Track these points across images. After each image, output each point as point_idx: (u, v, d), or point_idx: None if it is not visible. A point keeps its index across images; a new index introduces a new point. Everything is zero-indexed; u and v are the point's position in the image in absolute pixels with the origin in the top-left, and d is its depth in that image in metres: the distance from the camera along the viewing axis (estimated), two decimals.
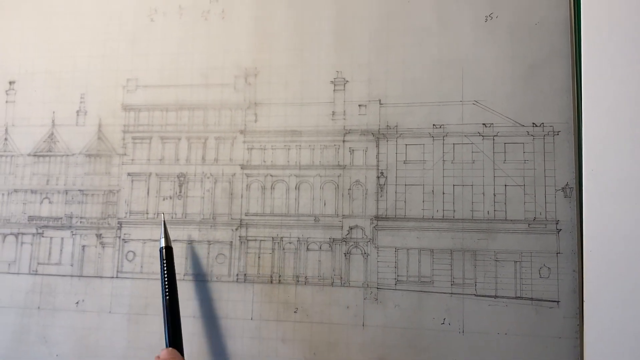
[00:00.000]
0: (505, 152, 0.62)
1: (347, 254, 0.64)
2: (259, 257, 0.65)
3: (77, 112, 0.72)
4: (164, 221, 0.63)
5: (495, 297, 0.60)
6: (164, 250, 0.61)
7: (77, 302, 0.68)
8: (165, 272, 0.59)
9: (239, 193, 0.67)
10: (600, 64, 0.60)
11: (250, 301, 0.65)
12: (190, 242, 0.68)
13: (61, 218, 0.71)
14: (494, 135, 0.63)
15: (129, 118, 0.71)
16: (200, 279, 0.67)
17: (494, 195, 0.62)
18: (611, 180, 0.57)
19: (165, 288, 0.58)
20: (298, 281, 0.64)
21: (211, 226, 0.67)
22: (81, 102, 0.72)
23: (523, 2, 0.64)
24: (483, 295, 0.60)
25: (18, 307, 0.69)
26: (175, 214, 0.68)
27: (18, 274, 0.70)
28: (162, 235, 0.61)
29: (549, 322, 0.58)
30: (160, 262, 0.60)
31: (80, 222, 0.70)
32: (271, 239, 0.66)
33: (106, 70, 0.73)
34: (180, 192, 0.68)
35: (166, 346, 0.56)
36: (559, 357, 0.57)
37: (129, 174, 0.70)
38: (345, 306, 0.63)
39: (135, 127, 0.71)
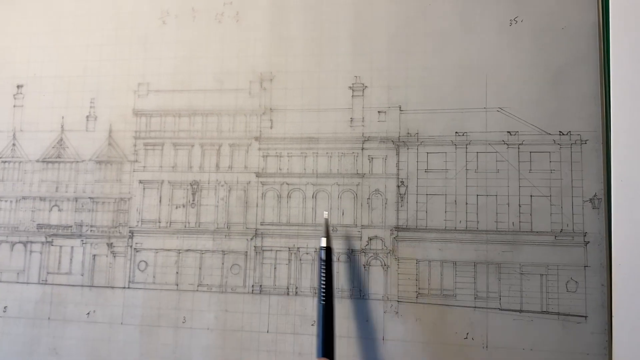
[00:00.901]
0: (531, 161, 0.61)
1: (367, 265, 0.62)
2: (275, 268, 0.64)
3: (87, 117, 0.71)
4: (327, 219, 0.60)
5: (521, 311, 0.59)
6: (324, 250, 0.58)
7: (88, 313, 0.67)
8: (323, 274, 0.56)
9: (254, 202, 0.66)
10: (629, 69, 0.58)
11: (266, 313, 0.64)
12: (204, 252, 0.66)
13: (71, 226, 0.69)
14: (519, 144, 0.61)
15: (141, 124, 0.70)
16: (216, 290, 0.65)
17: (519, 205, 0.60)
18: None
19: (322, 293, 0.56)
20: (315, 293, 0.62)
21: (225, 236, 0.66)
22: (91, 107, 0.71)
23: (549, 5, 0.62)
24: (508, 310, 0.59)
25: (28, 317, 0.68)
26: (189, 223, 0.67)
27: (27, 283, 0.68)
28: (325, 234, 0.59)
29: (576, 338, 0.57)
30: (319, 263, 0.58)
31: (91, 230, 0.69)
32: (287, 249, 0.64)
33: (117, 75, 0.72)
34: (193, 200, 0.67)
35: (318, 356, 0.54)
36: None
37: (140, 182, 0.69)
38: (365, 319, 0.61)
39: (146, 133, 0.70)
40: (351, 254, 0.63)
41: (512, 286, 0.59)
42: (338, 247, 0.63)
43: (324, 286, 0.55)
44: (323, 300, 0.55)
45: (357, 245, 0.63)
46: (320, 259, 0.57)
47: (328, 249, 0.58)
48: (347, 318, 0.62)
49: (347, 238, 0.63)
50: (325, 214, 0.61)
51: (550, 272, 0.59)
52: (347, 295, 0.62)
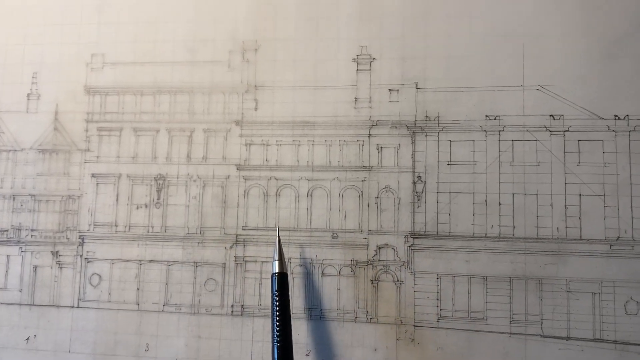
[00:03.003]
0: (579, 151, 0.57)
1: (375, 280, 0.58)
2: (260, 284, 0.60)
3: (28, 95, 0.66)
4: (279, 238, 0.56)
5: (568, 338, 0.55)
6: (276, 277, 0.54)
7: (27, 339, 0.62)
8: (278, 309, 0.52)
9: (235, 201, 0.62)
10: None
11: (249, 340, 0.59)
12: (172, 264, 0.61)
13: (7, 230, 0.65)
14: (565, 130, 0.57)
15: (94, 104, 0.65)
16: (186, 310, 0.60)
17: (566, 207, 0.57)
18: None
19: (277, 330, 0.52)
20: (311, 315, 0.58)
21: (199, 243, 0.61)
22: (33, 84, 0.66)
23: None
24: (552, 337, 0.55)
25: None
26: (153, 227, 0.62)
27: None
28: (275, 257, 0.55)
29: None
30: (272, 293, 0.54)
31: (32, 235, 0.64)
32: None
33: (65, 43, 0.67)
34: (158, 198, 0.63)
35: None
36: None
37: (93, 175, 0.64)
38: (373, 348, 0.57)
39: (101, 116, 0.65)
40: (355, 267, 0.59)
41: (556, 307, 0.55)
42: (339, 257, 0.59)
43: (279, 323, 0.52)
44: (278, 341, 0.51)
45: (363, 255, 0.59)
46: (273, 289, 0.54)
47: (282, 276, 0.54)
48: (350, 346, 0.57)
49: (351, 246, 0.59)
50: (277, 231, 0.57)
51: (605, 290, 0.55)
52: (350, 319, 0.58)
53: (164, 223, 0.62)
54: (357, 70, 0.61)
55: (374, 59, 0.61)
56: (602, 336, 0.54)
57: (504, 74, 0.59)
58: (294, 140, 0.61)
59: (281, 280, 0.53)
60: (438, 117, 0.59)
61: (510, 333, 0.55)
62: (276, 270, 0.54)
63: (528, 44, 0.58)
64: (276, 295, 0.53)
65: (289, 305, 0.53)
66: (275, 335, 0.51)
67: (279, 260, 0.54)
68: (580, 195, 0.56)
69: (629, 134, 0.56)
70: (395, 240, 0.58)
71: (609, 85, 0.57)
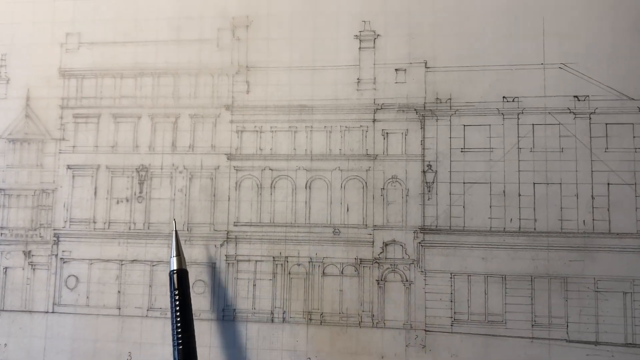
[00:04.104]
0: (607, 136, 0.55)
1: (381, 280, 0.57)
2: (255, 286, 0.58)
3: None
4: (176, 232, 0.56)
5: (597, 343, 0.53)
6: (175, 275, 0.54)
7: None
8: (178, 309, 0.52)
9: (225, 194, 0.61)
10: None
11: (242, 347, 0.57)
12: (156, 264, 0.60)
13: None
14: (591, 113, 0.55)
15: (69, 88, 0.64)
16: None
17: (592, 197, 0.55)
18: None
19: (178, 333, 0.51)
20: (311, 320, 0.57)
21: (186, 241, 0.59)
22: (2, 66, 0.65)
23: None
24: (578, 342, 0.53)
25: None
26: (134, 224, 0.61)
27: None
28: (173, 252, 0.55)
29: None
30: (171, 293, 0.53)
31: (1, 234, 0.63)
32: (272, 259, 0.59)
33: (37, 22, 0.65)
34: (140, 192, 0.62)
35: None
36: None
37: (69, 167, 0.63)
38: (380, 356, 0.55)
39: (77, 101, 0.64)
40: (359, 265, 0.57)
41: (583, 309, 0.54)
42: (342, 255, 0.57)
43: (180, 324, 0.51)
44: (179, 344, 0.51)
45: (368, 253, 0.57)
46: (172, 286, 0.53)
47: (181, 273, 0.54)
48: (354, 354, 0.55)
49: (354, 243, 0.57)
50: (173, 224, 0.57)
51: (637, 289, 0.53)
52: (354, 323, 0.56)
53: (147, 219, 0.61)
54: (359, 48, 0.60)
55: (378, 35, 0.60)
56: (634, 340, 0.52)
57: (523, 51, 0.57)
58: (290, 127, 0.60)
59: (181, 278, 0.53)
60: (450, 99, 0.58)
61: (532, 338, 0.54)
62: (174, 267, 0.54)
63: (549, 17, 0.57)
64: (176, 294, 0.52)
65: (190, 305, 0.53)
66: (176, 337, 0.51)
67: (177, 256, 0.54)
68: (608, 184, 0.55)
69: None
70: (403, 236, 0.57)
71: (638, 64, 0.55)
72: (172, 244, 0.55)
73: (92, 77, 0.63)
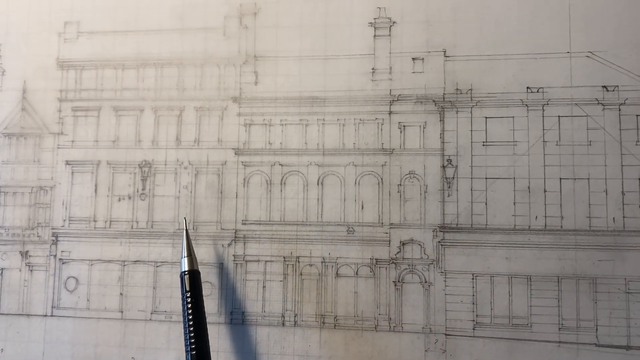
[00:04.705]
0: (638, 128, 0.54)
1: (399, 282, 0.56)
2: (264, 287, 0.57)
3: None
4: (187, 231, 0.55)
5: (628, 347, 0.52)
6: (186, 276, 0.53)
7: None
8: (190, 312, 0.51)
9: (233, 191, 0.59)
10: None
11: (251, 352, 0.56)
12: (160, 264, 0.59)
13: None
14: (620, 104, 0.54)
15: (67, 80, 0.63)
16: (178, 319, 0.58)
17: (623, 194, 0.54)
18: None
19: (191, 337, 0.50)
20: (324, 323, 0.56)
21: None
22: None
23: None
24: (608, 346, 0.52)
25: None
26: (137, 222, 0.60)
27: None
28: (184, 253, 0.54)
29: None
30: (182, 295, 0.52)
31: None
32: (282, 259, 0.58)
33: (34, 11, 0.65)
34: (143, 189, 0.61)
35: None
36: None
37: (67, 163, 0.62)
38: None
39: (76, 94, 0.63)
40: (375, 266, 0.55)
41: (614, 311, 0.52)
42: (356, 255, 0.56)
43: (192, 329, 0.51)
44: (192, 348, 0.50)
45: (385, 253, 0.55)
46: (183, 288, 0.53)
47: (193, 274, 0.53)
48: (371, 359, 0.54)
49: (369, 243, 0.56)
50: (184, 222, 0.57)
51: None
52: (370, 327, 0.55)
53: (151, 217, 0.61)
54: (374, 36, 0.59)
55: (394, 22, 0.59)
56: None
57: (548, 39, 0.56)
58: (301, 120, 0.59)
59: (193, 279, 0.53)
60: (471, 89, 0.57)
61: (560, 342, 0.53)
62: (186, 268, 0.53)
63: (575, 3, 0.56)
64: (187, 297, 0.52)
65: (203, 307, 0.53)
66: (189, 342, 0.50)
67: (188, 256, 0.54)
68: (639, 179, 0.54)
69: None
70: (421, 234, 0.56)
71: None
72: (182, 244, 0.55)
73: (92, 68, 0.63)
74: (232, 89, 0.60)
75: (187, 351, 0.50)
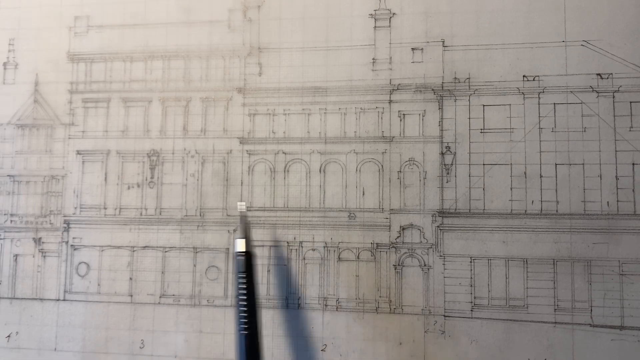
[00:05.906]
0: (631, 115, 0.54)
1: (399, 265, 0.56)
2: (268, 271, 0.58)
3: (5, 64, 0.64)
4: (243, 214, 0.55)
5: (622, 327, 0.52)
6: (242, 257, 0.52)
7: (9, 336, 0.61)
8: (243, 292, 0.51)
9: (238, 178, 0.60)
10: None
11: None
12: (168, 250, 0.59)
13: None
14: (614, 91, 0.55)
15: (78, 72, 0.64)
16: (186, 302, 0.59)
17: (617, 178, 0.54)
18: None
19: (242, 316, 0.50)
20: (326, 305, 0.56)
21: (198, 227, 0.60)
22: (10, 51, 0.65)
23: None
24: (603, 326, 0.53)
25: None
26: (146, 209, 0.60)
27: None
28: (242, 235, 0.53)
29: None
30: (236, 275, 0.52)
31: (11, 221, 0.62)
32: (285, 244, 0.58)
33: (44, 5, 0.65)
34: (152, 177, 0.61)
35: None
36: None
37: (78, 153, 0.63)
38: (397, 342, 0.55)
39: (86, 86, 0.63)
40: (376, 250, 0.56)
41: (608, 292, 0.53)
42: (358, 240, 0.57)
43: (244, 309, 0.50)
44: (244, 330, 0.50)
45: (385, 237, 0.56)
46: (237, 270, 0.52)
47: (248, 256, 0.52)
48: (371, 340, 0.55)
49: (370, 228, 0.56)
50: (241, 205, 0.56)
51: None
52: (371, 309, 0.56)
53: (159, 204, 0.61)
54: (374, 27, 0.59)
55: (394, 14, 0.59)
56: None
57: (543, 29, 0.56)
58: (303, 109, 0.59)
59: (247, 261, 0.52)
60: (468, 78, 0.57)
61: (555, 322, 0.53)
62: (240, 249, 0.52)
63: None
64: (241, 277, 0.51)
65: (254, 289, 0.52)
66: (241, 322, 0.50)
67: (245, 238, 0.53)
68: (633, 164, 0.54)
69: None
70: (421, 219, 0.56)
71: None
72: (239, 226, 0.54)
73: (102, 61, 0.63)
74: (237, 80, 0.60)
75: (238, 332, 0.50)
